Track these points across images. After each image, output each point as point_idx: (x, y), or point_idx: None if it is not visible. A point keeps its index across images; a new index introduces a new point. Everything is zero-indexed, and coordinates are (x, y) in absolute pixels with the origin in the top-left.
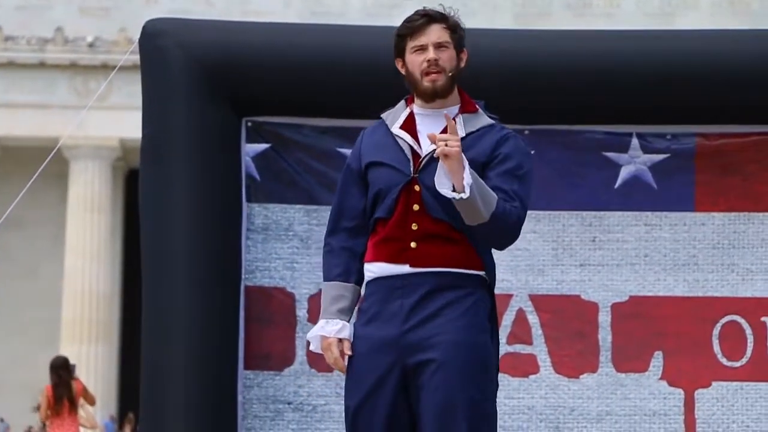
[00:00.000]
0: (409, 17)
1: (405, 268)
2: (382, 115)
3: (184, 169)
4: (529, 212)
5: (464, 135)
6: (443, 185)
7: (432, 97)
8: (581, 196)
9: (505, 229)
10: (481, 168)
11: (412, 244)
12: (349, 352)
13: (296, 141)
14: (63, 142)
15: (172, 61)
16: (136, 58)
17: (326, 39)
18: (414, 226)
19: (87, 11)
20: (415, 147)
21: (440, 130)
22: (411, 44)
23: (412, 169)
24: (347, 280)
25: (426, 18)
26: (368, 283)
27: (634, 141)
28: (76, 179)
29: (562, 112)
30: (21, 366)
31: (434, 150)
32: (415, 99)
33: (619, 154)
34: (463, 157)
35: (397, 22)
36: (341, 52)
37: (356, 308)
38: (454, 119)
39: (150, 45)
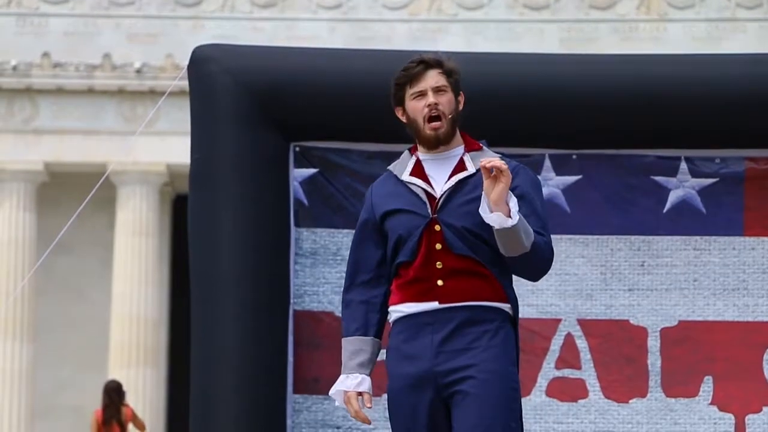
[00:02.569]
0: (405, 66)
1: (434, 305)
2: (389, 168)
3: (232, 194)
4: (577, 236)
5: (474, 171)
6: (487, 213)
7: (435, 144)
8: (630, 221)
9: (542, 260)
10: None
11: (439, 282)
12: (370, 405)
13: (344, 166)
14: (111, 167)
15: (220, 87)
16: (183, 84)
17: (372, 64)
18: (438, 265)
19: (134, 37)
20: (429, 189)
21: (448, 172)
22: (410, 91)
23: (429, 210)
24: (366, 333)
25: (423, 64)
26: (395, 322)
27: (683, 165)
28: (124, 204)
29: (610, 137)
30: (68, 390)
31: (448, 190)
32: (419, 146)
33: (667, 178)
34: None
35: (442, 46)
36: (388, 77)
37: (385, 348)
38: (462, 158)
39: (198, 71)
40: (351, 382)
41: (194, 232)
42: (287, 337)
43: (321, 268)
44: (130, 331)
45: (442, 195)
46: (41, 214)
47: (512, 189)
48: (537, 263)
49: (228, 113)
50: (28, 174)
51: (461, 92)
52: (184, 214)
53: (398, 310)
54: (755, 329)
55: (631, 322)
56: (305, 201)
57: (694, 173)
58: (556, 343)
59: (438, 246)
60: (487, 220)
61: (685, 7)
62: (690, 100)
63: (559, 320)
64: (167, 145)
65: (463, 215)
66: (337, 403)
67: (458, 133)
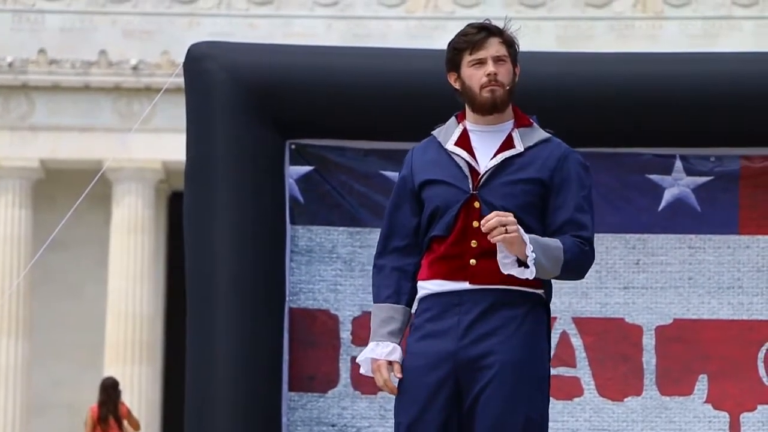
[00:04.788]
0: (464, 31)
1: (464, 285)
2: (433, 132)
3: (227, 192)
4: None
5: (522, 150)
6: (506, 267)
7: (491, 109)
8: (625, 219)
9: (576, 272)
10: (542, 186)
11: (472, 261)
12: (400, 375)
13: (339, 163)
14: (107, 164)
15: (216, 84)
16: (179, 81)
17: (369, 61)
18: (473, 243)
19: (130, 34)
20: (473, 163)
21: (495, 148)
22: (469, 58)
23: (471, 185)
24: (398, 302)
25: (485, 31)
26: (422, 299)
27: (678, 163)
28: (120, 201)
29: (605, 135)
30: (64, 387)
31: (493, 167)
32: (468, 115)
33: (662, 176)
34: (521, 232)
35: (439, 44)
36: (384, 75)
37: (409, 324)
38: (510, 134)
39: (194, 68)
40: (382, 350)
41: (189, 229)
42: (282, 335)
43: (317, 266)
44: (125, 328)
45: (486, 171)
46: (37, 210)
47: (561, 179)
48: (572, 273)
49: (224, 110)
50: (23, 171)
51: (518, 64)
52: (180, 211)
53: (426, 287)
54: (750, 327)
55: (626, 320)
56: (301, 198)
57: (689, 171)
58: (551, 341)
59: (475, 224)
60: (505, 272)
61: (681, 5)
62: (685, 99)
63: (554, 318)
64: (163, 142)
65: (505, 195)
66: (362, 370)
67: (510, 106)
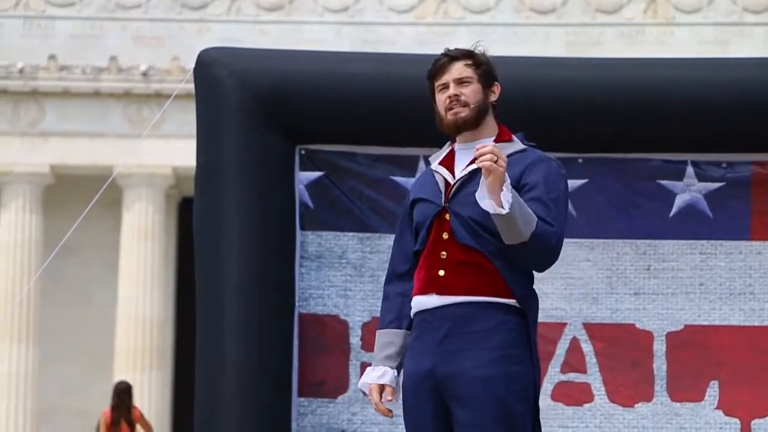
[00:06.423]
0: (435, 58)
1: (433, 299)
2: (429, 158)
3: (237, 197)
4: (583, 240)
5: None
6: (483, 199)
7: (456, 130)
8: (636, 225)
9: (545, 251)
10: None
11: (440, 272)
12: (390, 398)
13: (349, 169)
14: (117, 170)
15: (226, 90)
16: (189, 87)
17: (378, 67)
18: (443, 255)
19: (140, 40)
20: (449, 179)
21: (470, 161)
22: (436, 84)
23: (443, 199)
24: (399, 326)
25: (447, 58)
26: (413, 316)
27: (689, 169)
28: (130, 207)
29: (616, 141)
30: (73, 393)
31: (461, 178)
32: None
33: (674, 182)
34: (507, 177)
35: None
36: (394, 81)
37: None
38: None
39: (204, 74)
40: (373, 374)
41: (200, 235)
42: (292, 341)
43: (326, 271)
44: (135, 334)
45: (455, 183)
46: (47, 216)
47: (525, 182)
48: (538, 252)
49: (234, 116)
50: (34, 176)
51: (495, 82)
52: (190, 216)
53: (412, 304)
54: (761, 334)
55: (637, 326)
56: (310, 204)
57: (701, 177)
58: (562, 347)
59: (445, 235)
60: (481, 205)
61: (692, 11)
62: (696, 105)
63: (565, 324)
64: (173, 147)
65: (471, 205)
66: (366, 394)
67: (494, 123)
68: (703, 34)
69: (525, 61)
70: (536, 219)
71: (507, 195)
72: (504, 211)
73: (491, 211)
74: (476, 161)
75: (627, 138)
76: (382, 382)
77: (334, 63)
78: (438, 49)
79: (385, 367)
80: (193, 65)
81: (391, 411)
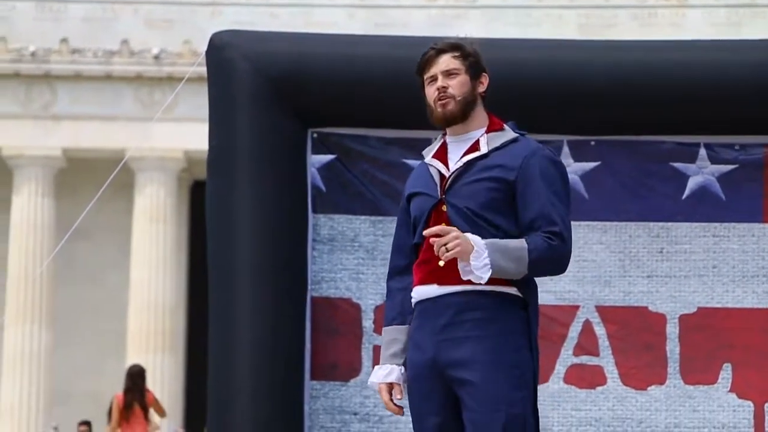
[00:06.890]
0: (423, 52)
1: (433, 289)
2: (423, 152)
3: (250, 180)
4: (595, 223)
5: (486, 151)
6: (467, 275)
7: (444, 123)
8: (648, 207)
9: (550, 268)
10: (506, 185)
11: (440, 263)
12: (399, 396)
13: (361, 152)
14: (129, 153)
15: (238, 73)
16: (201, 70)
17: (390, 50)
18: None
19: (152, 23)
20: (443, 171)
21: (463, 152)
22: (425, 77)
23: (439, 191)
24: (402, 322)
25: (434, 50)
26: (414, 306)
27: (702, 151)
28: (142, 190)
29: (629, 123)
30: (86, 375)
31: (456, 170)
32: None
33: (686, 164)
34: (471, 240)
35: (460, 32)
36: (405, 64)
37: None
38: (478, 139)
39: (217, 57)
40: (380, 373)
41: (212, 218)
42: (305, 324)
43: (339, 255)
44: (148, 317)
45: (450, 175)
46: (59, 199)
47: (527, 175)
48: (547, 269)
49: (246, 99)
50: (46, 159)
51: (483, 73)
52: (202, 200)
53: (413, 295)
54: None
55: (650, 308)
56: (323, 187)
57: (714, 159)
58: (575, 330)
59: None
60: (465, 278)
61: None
62: (709, 87)
63: (578, 307)
64: (185, 131)
65: (467, 196)
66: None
67: (483, 114)
68: (715, 16)
69: (537, 44)
70: (526, 249)
71: (480, 260)
72: (485, 280)
73: (475, 281)
74: (438, 256)
75: (639, 120)
76: (389, 380)
77: (346, 46)
78: (450, 32)
79: (391, 365)
80: (205, 48)
81: (401, 408)
